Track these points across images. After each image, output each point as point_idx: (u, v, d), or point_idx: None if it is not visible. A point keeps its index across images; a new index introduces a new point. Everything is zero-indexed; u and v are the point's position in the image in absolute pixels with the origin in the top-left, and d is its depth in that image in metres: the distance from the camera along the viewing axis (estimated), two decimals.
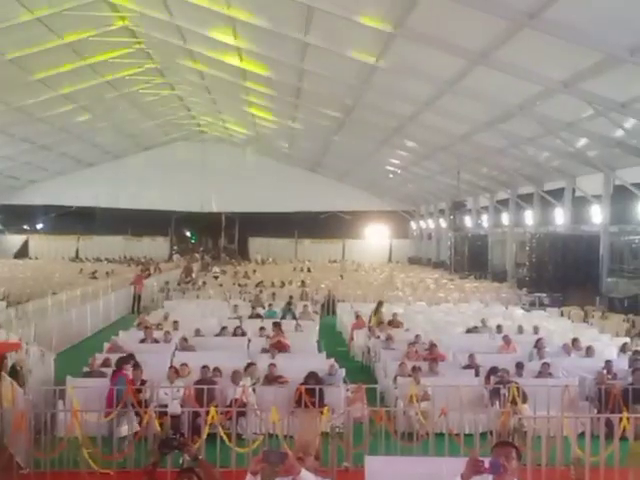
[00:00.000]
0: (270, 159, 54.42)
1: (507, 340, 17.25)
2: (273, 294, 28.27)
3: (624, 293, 27.43)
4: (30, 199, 54.61)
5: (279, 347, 16.61)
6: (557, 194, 33.52)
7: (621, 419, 10.46)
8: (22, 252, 55.37)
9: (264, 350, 16.44)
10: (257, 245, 58.86)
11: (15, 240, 56.74)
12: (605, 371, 13.85)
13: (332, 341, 21.83)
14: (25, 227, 58.11)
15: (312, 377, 12.87)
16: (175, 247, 58.31)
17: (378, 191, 56.04)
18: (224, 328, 18.71)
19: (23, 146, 41.71)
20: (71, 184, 53.56)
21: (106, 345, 16.75)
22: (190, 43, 28.75)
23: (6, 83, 29.71)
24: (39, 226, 58.34)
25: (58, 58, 28.90)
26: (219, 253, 57.25)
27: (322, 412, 11.07)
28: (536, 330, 19.30)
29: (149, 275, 34.44)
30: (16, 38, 25.54)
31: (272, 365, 13.82)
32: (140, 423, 10.92)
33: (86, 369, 14.09)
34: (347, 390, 12.82)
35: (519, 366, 14.04)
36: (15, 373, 12.27)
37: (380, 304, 21.98)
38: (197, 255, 54.55)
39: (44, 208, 55.76)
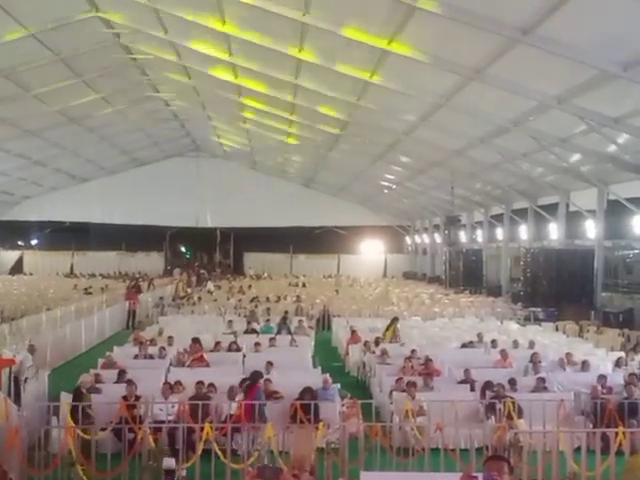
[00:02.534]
0: (265, 174, 54.47)
1: (504, 354, 17.25)
2: (268, 309, 28.20)
3: (619, 308, 27.47)
4: (25, 215, 54.50)
5: (200, 362, 16.58)
6: (551, 209, 33.62)
7: (617, 433, 10.44)
8: (17, 268, 55.12)
9: (187, 366, 16.37)
10: (252, 260, 58.76)
11: (10, 256, 56.52)
12: (600, 386, 13.85)
13: (327, 356, 21.81)
14: (20, 243, 57.92)
15: (307, 392, 12.83)
16: (180, 263, 57.89)
17: (373, 206, 56.11)
18: (218, 343, 18.66)
19: (18, 162, 41.60)
20: (65, 200, 53.49)
21: (100, 361, 16.72)
22: (184, 59, 28.84)
23: (1, 99, 29.69)
24: (34, 242, 58.16)
25: (53, 74, 28.89)
26: (214, 268, 57.03)
27: (317, 427, 11.02)
28: (531, 345, 19.29)
29: (138, 291, 34.16)
30: (11, 54, 25.54)
31: (267, 380, 13.77)
32: (134, 439, 10.86)
33: None
34: (342, 405, 12.79)
35: (512, 382, 14.04)
36: (80, 395, 12.31)
37: (395, 320, 22.07)
38: (199, 269, 54.20)
39: (38, 224, 55.62)
